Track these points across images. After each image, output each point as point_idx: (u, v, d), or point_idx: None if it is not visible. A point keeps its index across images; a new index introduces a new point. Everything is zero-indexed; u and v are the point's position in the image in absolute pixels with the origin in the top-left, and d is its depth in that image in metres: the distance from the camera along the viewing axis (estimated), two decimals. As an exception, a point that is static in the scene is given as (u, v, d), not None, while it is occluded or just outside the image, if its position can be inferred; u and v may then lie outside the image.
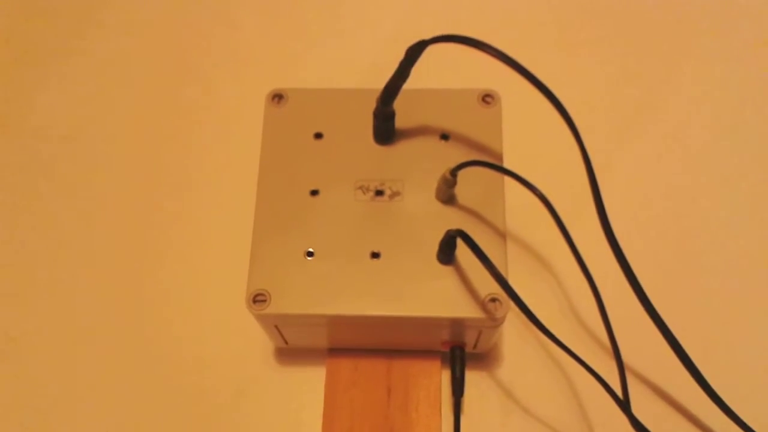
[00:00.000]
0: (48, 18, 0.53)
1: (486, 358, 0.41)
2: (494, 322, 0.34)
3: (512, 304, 0.33)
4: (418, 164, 0.37)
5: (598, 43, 0.50)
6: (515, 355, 0.41)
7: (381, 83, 0.35)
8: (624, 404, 0.34)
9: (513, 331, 0.41)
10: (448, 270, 0.34)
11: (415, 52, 0.31)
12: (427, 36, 0.31)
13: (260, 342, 0.41)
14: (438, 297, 0.34)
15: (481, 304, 0.34)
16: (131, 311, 0.43)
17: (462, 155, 0.36)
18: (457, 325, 0.35)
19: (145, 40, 0.52)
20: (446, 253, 0.34)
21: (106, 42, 0.52)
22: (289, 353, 0.41)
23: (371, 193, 0.36)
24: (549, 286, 0.42)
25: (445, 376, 0.39)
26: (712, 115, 0.48)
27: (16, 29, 0.52)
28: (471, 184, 0.35)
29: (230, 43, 0.51)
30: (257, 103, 0.39)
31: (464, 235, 0.31)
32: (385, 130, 0.37)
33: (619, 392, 0.34)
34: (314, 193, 0.36)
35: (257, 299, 0.34)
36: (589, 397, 0.39)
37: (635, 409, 0.35)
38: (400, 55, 0.33)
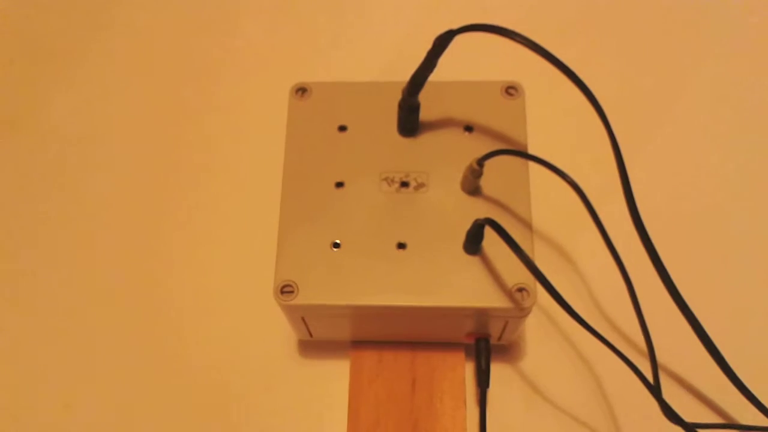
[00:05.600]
0: (63, 18, 0.53)
1: (509, 351, 0.41)
2: (522, 312, 0.34)
3: (539, 294, 0.33)
4: (443, 156, 0.37)
5: (618, 31, 0.51)
6: (538, 347, 0.41)
7: (398, 77, 0.36)
8: (655, 389, 0.34)
9: (536, 323, 0.41)
10: (474, 260, 0.34)
11: (443, 41, 0.31)
12: (435, 34, 0.32)
13: (284, 336, 0.41)
14: (465, 287, 0.34)
15: (509, 294, 0.34)
16: (155, 307, 0.43)
17: (486, 147, 0.36)
18: (483, 315, 0.35)
19: (162, 40, 0.52)
20: (473, 242, 0.34)
21: (122, 41, 0.52)
22: (312, 346, 0.41)
23: (396, 185, 0.36)
24: (569, 278, 0.42)
25: (468, 368, 0.40)
26: (737, 103, 0.48)
27: (30, 30, 0.53)
28: (496, 175, 0.36)
29: (251, 38, 0.52)
30: (280, 97, 0.39)
31: (493, 223, 0.31)
32: (410, 121, 0.37)
33: (649, 378, 0.34)
34: (339, 185, 0.36)
35: (285, 290, 0.34)
36: (613, 389, 0.39)
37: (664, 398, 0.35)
38: (416, 50, 0.33)
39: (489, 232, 0.33)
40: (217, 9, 0.53)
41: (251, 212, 0.44)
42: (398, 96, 0.36)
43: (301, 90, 0.39)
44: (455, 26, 0.32)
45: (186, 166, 0.47)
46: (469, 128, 0.37)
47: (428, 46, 0.32)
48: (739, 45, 0.50)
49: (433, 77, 0.34)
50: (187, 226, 0.45)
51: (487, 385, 0.38)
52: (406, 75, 0.35)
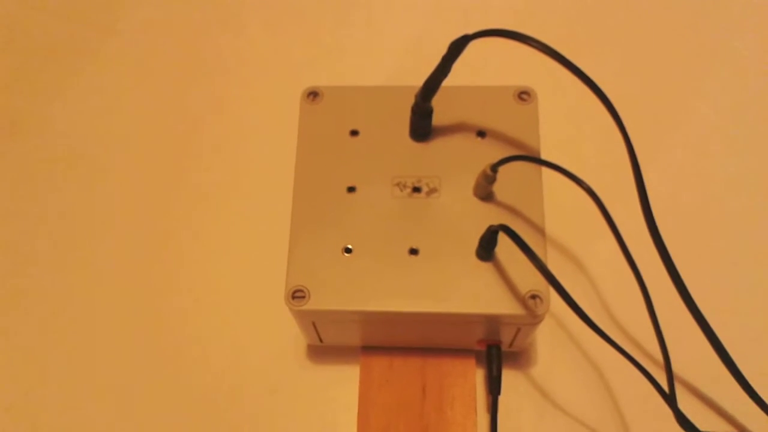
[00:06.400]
0: (68, 21, 0.53)
1: (520, 358, 0.40)
2: (534, 319, 0.34)
3: (552, 301, 0.33)
4: (455, 161, 0.37)
5: (629, 35, 0.51)
6: (550, 354, 0.40)
7: (406, 81, 0.36)
8: (670, 398, 0.33)
9: (548, 330, 0.41)
10: (487, 266, 0.34)
11: (458, 46, 0.31)
12: (444, 39, 0.32)
13: (293, 341, 0.41)
14: (478, 293, 0.34)
15: (522, 301, 0.33)
16: (164, 311, 0.43)
17: (499, 152, 0.36)
18: (495, 322, 0.35)
19: (168, 43, 0.52)
20: (486, 249, 0.34)
21: (127, 44, 0.52)
22: (322, 352, 0.41)
23: (408, 190, 0.36)
24: (582, 285, 0.42)
25: (479, 375, 0.39)
26: (751, 106, 0.47)
27: (34, 33, 0.53)
28: (508, 181, 0.35)
29: (261, 42, 0.52)
30: (291, 101, 0.39)
31: (508, 230, 0.31)
32: (423, 126, 0.37)
33: (664, 387, 0.34)
34: (351, 189, 0.36)
35: (296, 295, 0.34)
36: (625, 397, 0.39)
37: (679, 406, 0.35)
38: (425, 54, 0.33)
39: (502, 238, 0.32)
40: (225, 12, 0.53)
41: (262, 217, 0.44)
42: (410, 100, 0.36)
43: (313, 94, 0.39)
44: (466, 30, 0.32)
45: (196, 169, 0.47)
46: (481, 133, 0.37)
47: (440, 49, 0.32)
48: (753, 46, 0.49)
49: (445, 82, 0.34)
50: (197, 229, 0.45)
51: (499, 392, 0.37)
52: (415, 78, 0.35)
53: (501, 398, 0.38)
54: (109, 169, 0.47)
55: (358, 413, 0.38)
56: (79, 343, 0.42)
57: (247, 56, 0.51)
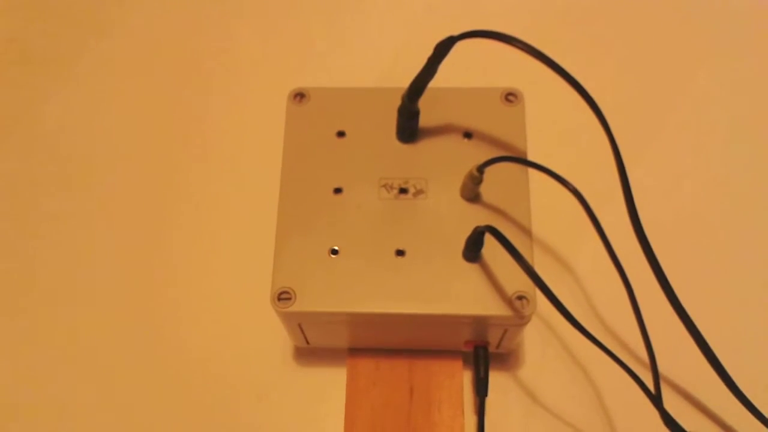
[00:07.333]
0: (60, 23, 0.53)
1: (507, 359, 0.40)
2: (521, 320, 0.34)
3: (538, 302, 0.33)
4: (442, 162, 0.37)
5: (618, 35, 0.51)
6: (537, 356, 0.40)
7: (395, 83, 0.36)
8: (656, 399, 0.33)
9: (535, 331, 0.41)
10: (474, 268, 0.34)
11: (443, 47, 0.31)
12: (432, 41, 0.32)
13: (279, 343, 0.41)
14: (465, 295, 0.34)
15: (508, 302, 0.33)
16: (150, 312, 0.42)
17: (485, 154, 0.36)
18: (482, 323, 0.35)
19: (159, 44, 0.52)
20: (473, 250, 0.34)
21: (118, 45, 0.52)
22: (308, 354, 0.41)
23: (395, 191, 0.36)
24: (569, 286, 0.42)
25: (466, 377, 0.39)
26: (737, 106, 0.48)
27: (27, 34, 0.52)
28: (495, 182, 0.35)
29: (248, 43, 0.51)
30: (278, 102, 0.39)
31: (494, 231, 0.31)
32: (409, 128, 0.37)
33: (650, 387, 0.34)
34: (338, 191, 0.36)
35: (282, 297, 0.34)
36: (612, 398, 0.39)
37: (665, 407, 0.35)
38: (414, 56, 0.33)
39: (488, 240, 0.32)
40: (214, 14, 0.53)
41: (249, 218, 0.44)
42: (397, 102, 0.36)
43: (300, 95, 0.38)
44: (454, 31, 0.31)
45: (183, 171, 0.47)
46: (468, 135, 0.37)
47: (427, 51, 0.32)
48: (739, 48, 0.50)
49: (432, 83, 0.34)
50: (184, 231, 0.45)
51: (486, 394, 0.37)
52: (403, 80, 0.35)
53: (488, 400, 0.38)
54: (96, 171, 0.47)
55: (345, 415, 0.38)
56: (65, 344, 0.42)
57: (235, 57, 0.51)
